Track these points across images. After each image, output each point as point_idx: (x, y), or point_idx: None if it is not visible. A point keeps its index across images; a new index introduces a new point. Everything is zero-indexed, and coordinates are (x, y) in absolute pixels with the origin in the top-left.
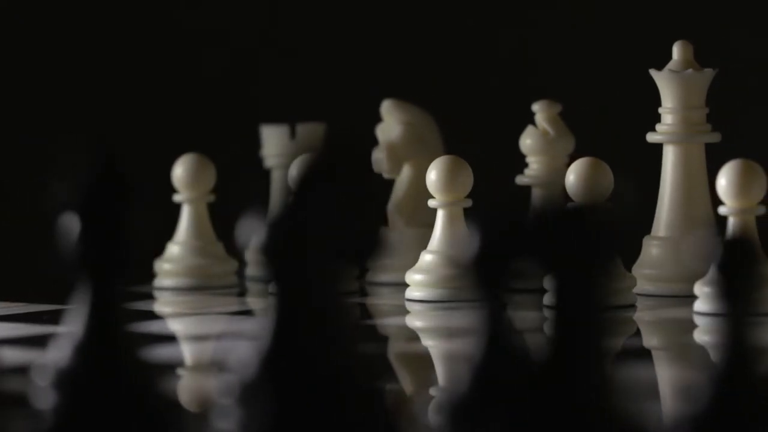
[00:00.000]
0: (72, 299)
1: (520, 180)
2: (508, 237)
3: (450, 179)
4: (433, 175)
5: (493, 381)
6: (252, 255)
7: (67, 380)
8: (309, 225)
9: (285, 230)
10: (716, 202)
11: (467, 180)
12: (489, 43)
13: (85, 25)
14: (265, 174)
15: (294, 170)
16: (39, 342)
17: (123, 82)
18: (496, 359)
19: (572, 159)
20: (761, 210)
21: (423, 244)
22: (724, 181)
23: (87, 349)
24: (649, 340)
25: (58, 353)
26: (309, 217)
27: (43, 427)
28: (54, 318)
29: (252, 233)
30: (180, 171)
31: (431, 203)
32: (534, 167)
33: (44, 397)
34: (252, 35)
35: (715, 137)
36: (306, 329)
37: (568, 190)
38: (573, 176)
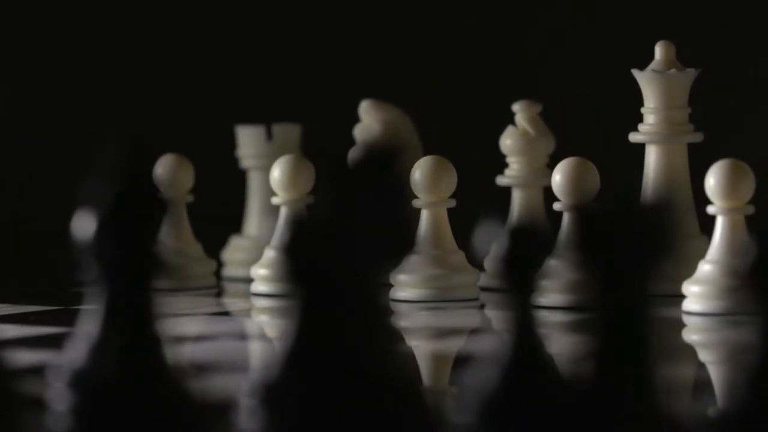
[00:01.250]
0: (91, 299)
1: (500, 180)
2: (533, 237)
3: (434, 179)
4: (417, 175)
5: (526, 381)
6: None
7: (87, 381)
8: (347, 223)
9: (312, 229)
10: (701, 201)
11: (451, 180)
12: (469, 42)
13: (62, 26)
14: (241, 175)
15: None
16: (47, 343)
17: (100, 83)
18: (528, 358)
19: (552, 159)
20: (750, 209)
21: None
22: (712, 181)
23: (104, 350)
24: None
25: (72, 353)
26: (348, 215)
27: (60, 429)
28: (41, 319)
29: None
30: (159, 171)
31: (415, 203)
32: (514, 167)
33: (61, 397)
34: (229, 36)
35: (697, 137)
36: (336, 328)
37: (554, 190)
38: (560, 176)
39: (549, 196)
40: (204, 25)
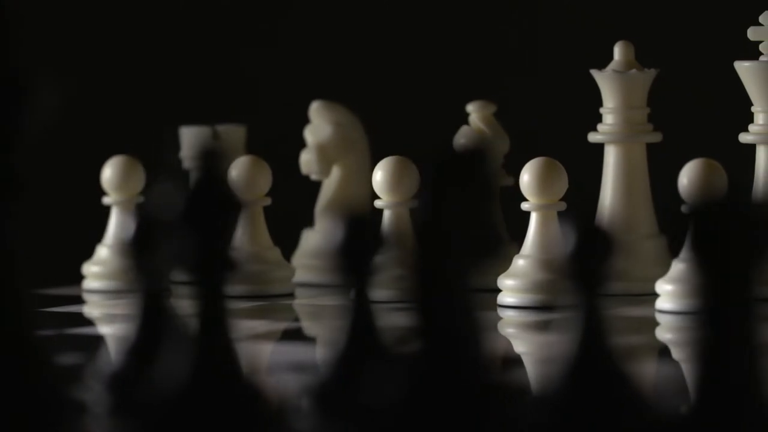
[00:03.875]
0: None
1: None
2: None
3: (396, 180)
4: (379, 176)
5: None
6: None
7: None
8: (442, 225)
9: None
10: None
11: (414, 181)
12: (423, 42)
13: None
14: (185, 175)
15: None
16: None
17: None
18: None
19: (507, 159)
20: None
21: None
22: (685, 180)
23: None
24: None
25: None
26: (442, 216)
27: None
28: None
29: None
30: (109, 173)
31: (378, 204)
32: None
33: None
34: (176, 36)
35: (656, 137)
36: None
37: (522, 191)
38: (528, 176)
39: (504, 195)
40: (150, 27)
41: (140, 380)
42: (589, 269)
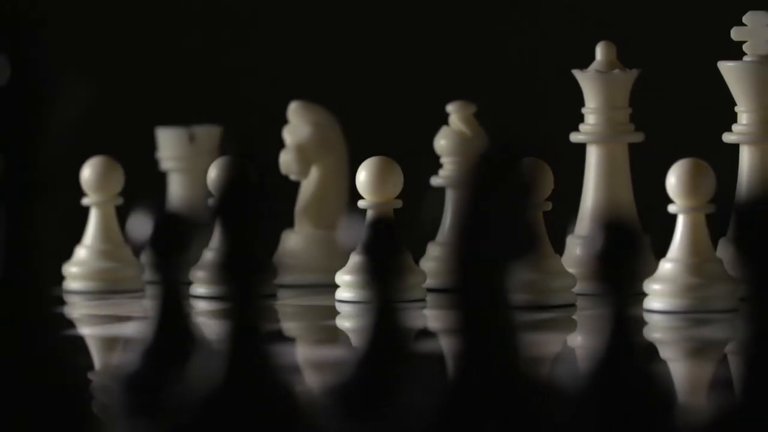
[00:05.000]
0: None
1: (434, 181)
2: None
3: (380, 180)
4: (362, 176)
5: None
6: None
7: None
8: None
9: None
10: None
11: (398, 181)
12: (403, 42)
13: None
14: (162, 176)
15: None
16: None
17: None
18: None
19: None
20: (711, 208)
21: (329, 245)
22: (674, 180)
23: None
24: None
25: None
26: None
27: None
28: None
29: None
30: (88, 173)
31: (361, 204)
32: (449, 168)
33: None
34: (153, 36)
35: (638, 137)
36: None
37: None
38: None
39: None
40: (128, 28)
41: (152, 381)
42: (616, 268)
